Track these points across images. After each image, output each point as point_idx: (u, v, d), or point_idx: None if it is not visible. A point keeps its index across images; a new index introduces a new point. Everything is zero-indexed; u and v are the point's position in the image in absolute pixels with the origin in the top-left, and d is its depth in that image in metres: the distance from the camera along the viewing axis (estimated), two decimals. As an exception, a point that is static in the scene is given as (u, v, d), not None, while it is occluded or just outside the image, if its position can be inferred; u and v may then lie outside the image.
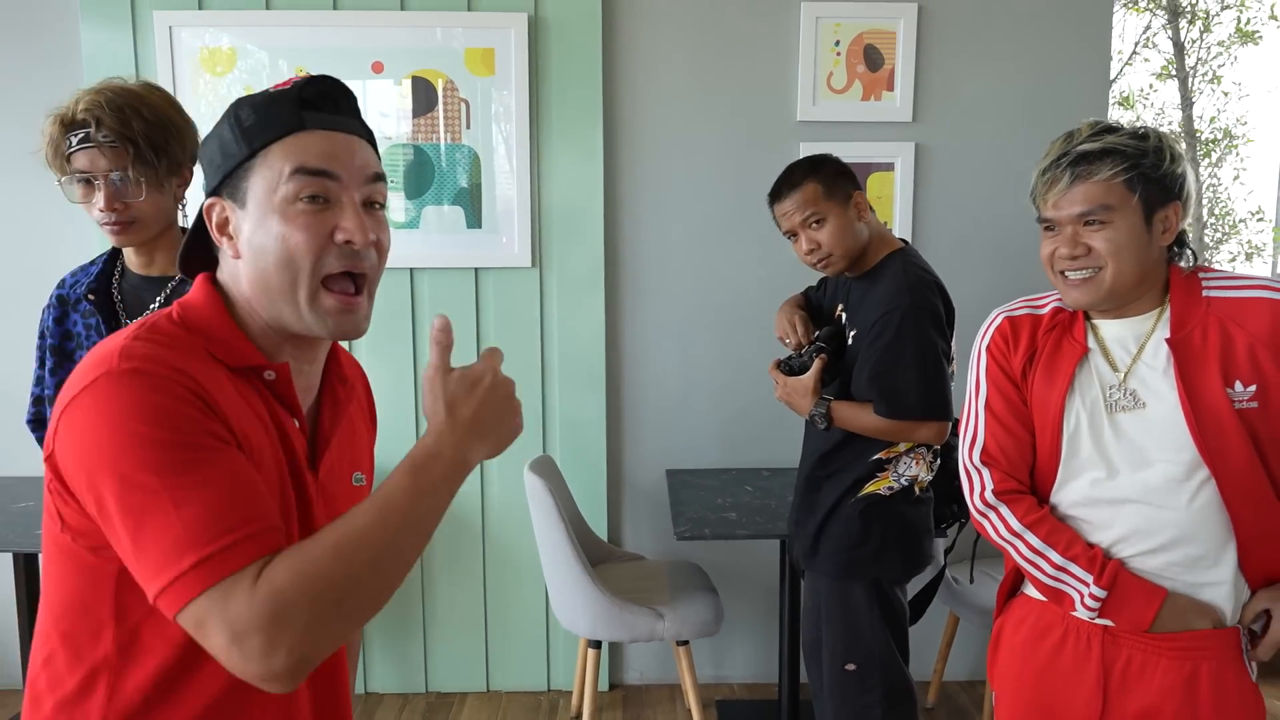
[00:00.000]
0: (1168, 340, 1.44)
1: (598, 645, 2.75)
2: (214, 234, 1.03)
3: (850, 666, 2.26)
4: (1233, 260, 5.87)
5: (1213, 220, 5.71)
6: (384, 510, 0.91)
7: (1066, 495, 1.53)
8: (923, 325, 2.06)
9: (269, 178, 0.99)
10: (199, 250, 1.08)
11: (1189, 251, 1.53)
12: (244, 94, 2.87)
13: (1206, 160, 5.65)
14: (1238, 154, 5.75)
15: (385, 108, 2.97)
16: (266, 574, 0.85)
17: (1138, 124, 1.49)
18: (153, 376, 0.89)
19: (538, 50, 2.98)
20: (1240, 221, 5.81)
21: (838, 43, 3.04)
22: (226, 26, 2.93)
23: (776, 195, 2.21)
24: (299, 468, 1.03)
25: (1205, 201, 5.68)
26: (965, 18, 3.07)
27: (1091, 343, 1.53)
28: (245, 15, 2.92)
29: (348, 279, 1.02)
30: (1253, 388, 1.40)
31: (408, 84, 2.96)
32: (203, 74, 2.95)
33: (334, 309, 1.01)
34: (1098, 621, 1.50)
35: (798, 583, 2.79)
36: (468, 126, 2.99)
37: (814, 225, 2.15)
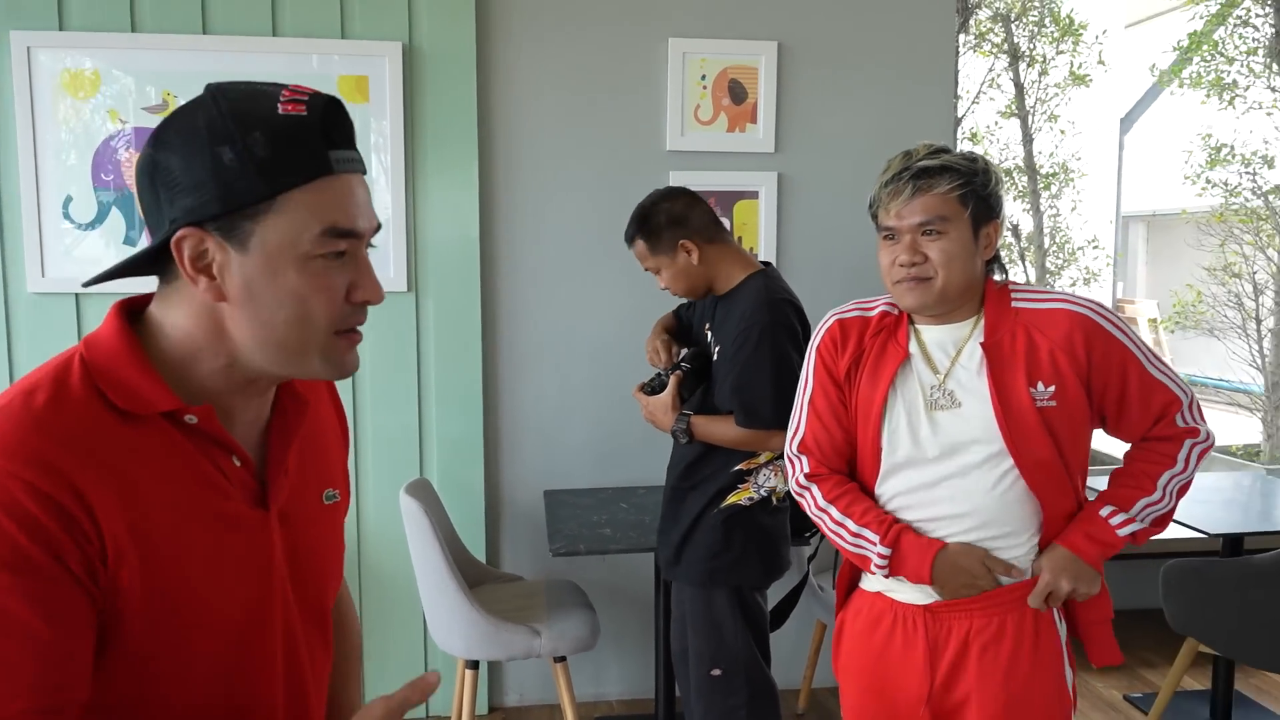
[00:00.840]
0: (982, 344, 1.59)
1: (475, 666, 2.77)
2: (184, 267, 0.86)
3: (716, 672, 2.35)
4: (1073, 284, 6.31)
5: (1054, 249, 6.13)
6: None
7: (889, 487, 1.68)
8: (779, 340, 2.18)
9: (291, 229, 0.86)
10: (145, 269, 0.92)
11: (1003, 267, 1.70)
12: (109, 115, 2.85)
13: (1047, 192, 6.06)
14: (1074, 187, 6.20)
15: (256, 132, 2.95)
16: None
17: (967, 152, 1.65)
18: None
19: (413, 79, 3.03)
20: (1078, 249, 6.25)
21: (704, 77, 3.19)
22: (89, 49, 2.87)
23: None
24: (245, 508, 0.93)
25: (1046, 231, 6.11)
26: (822, 56, 3.26)
27: (913, 347, 1.66)
28: (110, 37, 2.86)
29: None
30: (1052, 388, 1.57)
31: (280, 109, 2.95)
32: (64, 97, 2.88)
33: (345, 349, 0.93)
34: (890, 581, 1.67)
35: (671, 594, 2.87)
36: (342, 152, 2.99)
37: (654, 273, 2.38)
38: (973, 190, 1.57)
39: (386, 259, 3.04)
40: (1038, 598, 1.62)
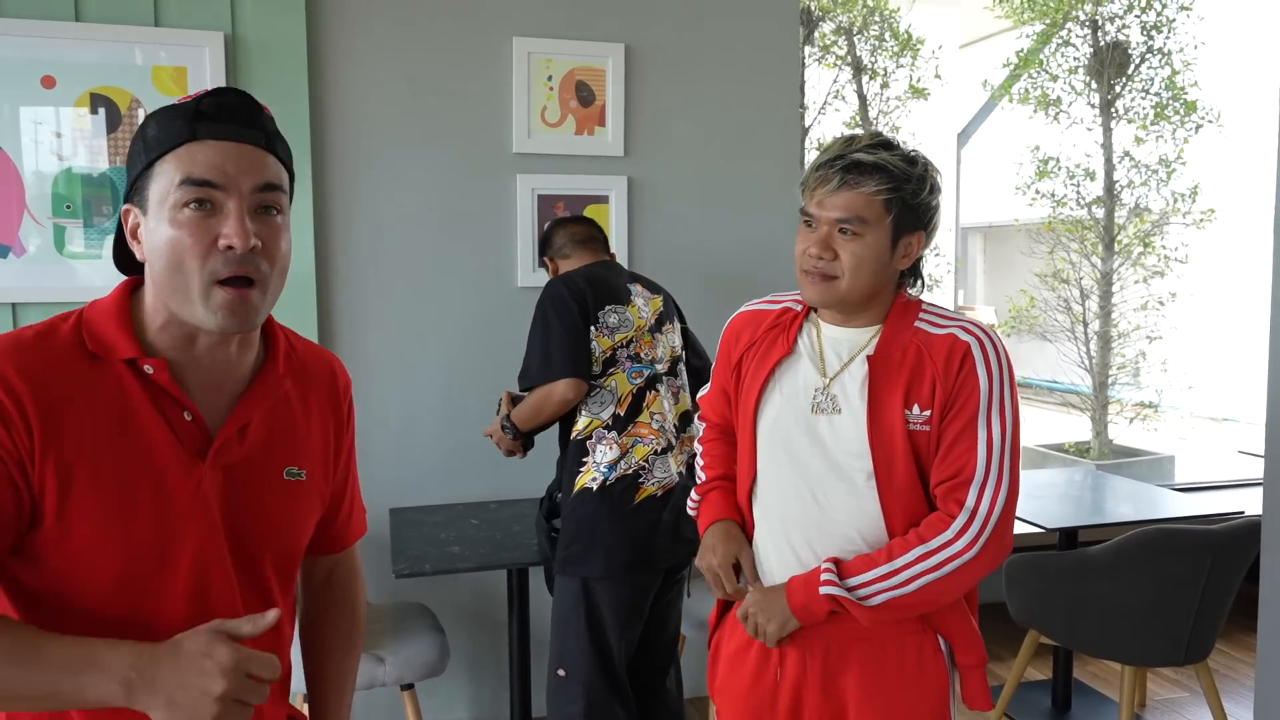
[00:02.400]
0: (869, 357, 1.54)
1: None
2: (129, 238, 1.10)
3: (561, 672, 2.32)
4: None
5: (898, 256, 6.34)
6: (20, 649, 0.93)
7: (759, 488, 1.63)
8: (543, 309, 2.37)
9: (163, 185, 1.04)
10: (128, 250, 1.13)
11: (920, 280, 1.62)
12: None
13: (891, 202, 6.28)
14: (915, 196, 6.44)
15: (59, 127, 2.69)
16: None
17: (912, 149, 1.55)
18: None
19: (237, 71, 2.83)
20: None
21: (550, 78, 3.10)
22: None
23: None
24: (185, 455, 1.08)
25: (892, 239, 6.31)
26: (670, 61, 3.23)
27: (802, 346, 1.61)
28: (-121, 16, 2.56)
29: (239, 278, 1.05)
30: (927, 413, 1.50)
31: (86, 101, 2.70)
32: None
33: (224, 303, 1.04)
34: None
35: (526, 615, 2.77)
36: (158, 149, 2.77)
37: None
38: (900, 197, 1.49)
39: (210, 265, 2.82)
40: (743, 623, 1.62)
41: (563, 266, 2.52)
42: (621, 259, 3.23)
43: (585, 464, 2.33)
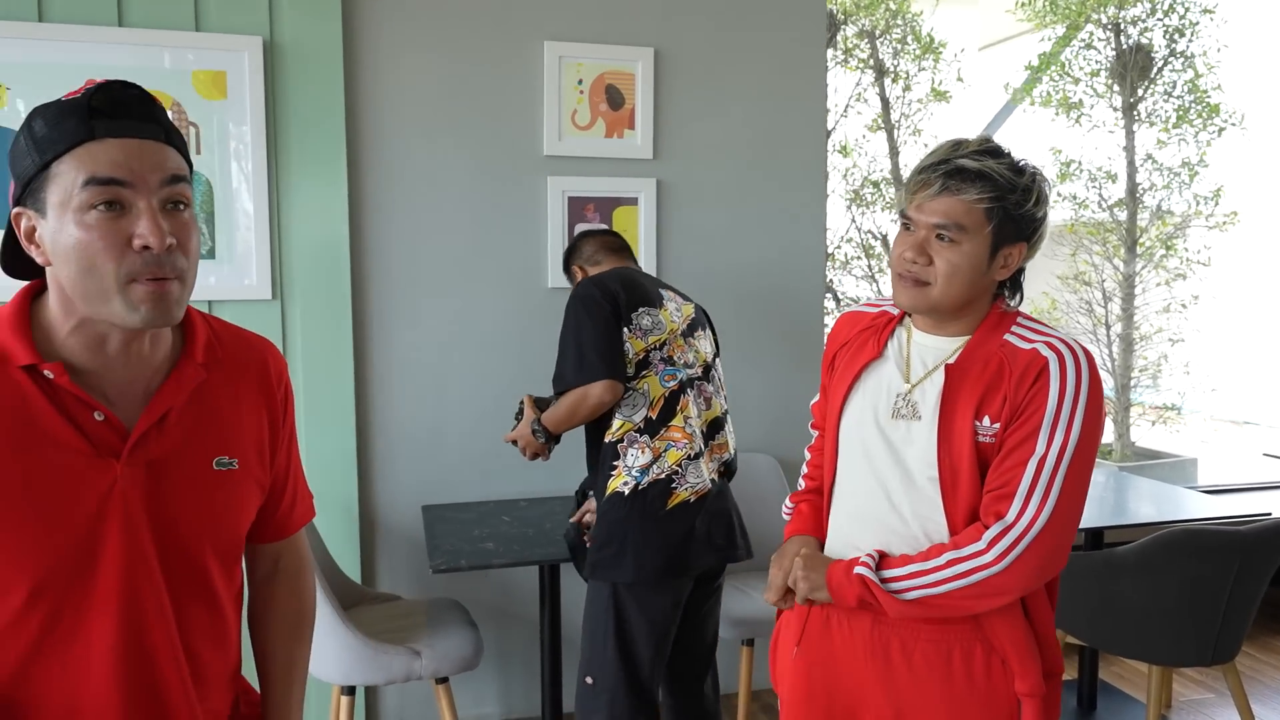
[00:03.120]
0: (947, 366, 1.51)
1: (351, 692, 2.63)
2: (24, 242, 1.07)
3: (588, 680, 2.30)
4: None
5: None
6: None
7: (837, 487, 1.64)
8: (575, 310, 2.33)
9: (64, 187, 1.02)
10: (22, 254, 1.11)
11: (1020, 293, 1.58)
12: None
13: (912, 204, 6.29)
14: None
15: (102, 129, 2.75)
16: None
17: (1021, 159, 1.50)
18: None
19: (275, 75, 2.88)
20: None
21: (580, 81, 3.15)
22: (-93, 33, 2.62)
23: None
24: (95, 458, 1.07)
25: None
26: (698, 65, 3.27)
27: (891, 350, 1.59)
28: (-69, 22, 2.62)
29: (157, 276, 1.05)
30: (997, 425, 1.46)
31: (129, 105, 2.76)
32: (-123, 85, 2.62)
33: (144, 296, 1.04)
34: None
35: (558, 612, 2.80)
36: (198, 152, 2.82)
37: None
38: (1003, 206, 1.43)
39: (248, 264, 2.87)
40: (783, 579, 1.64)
41: (592, 274, 2.47)
42: (650, 260, 3.27)
43: (616, 468, 2.29)
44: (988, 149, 1.47)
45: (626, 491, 2.27)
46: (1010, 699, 1.53)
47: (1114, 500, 3.53)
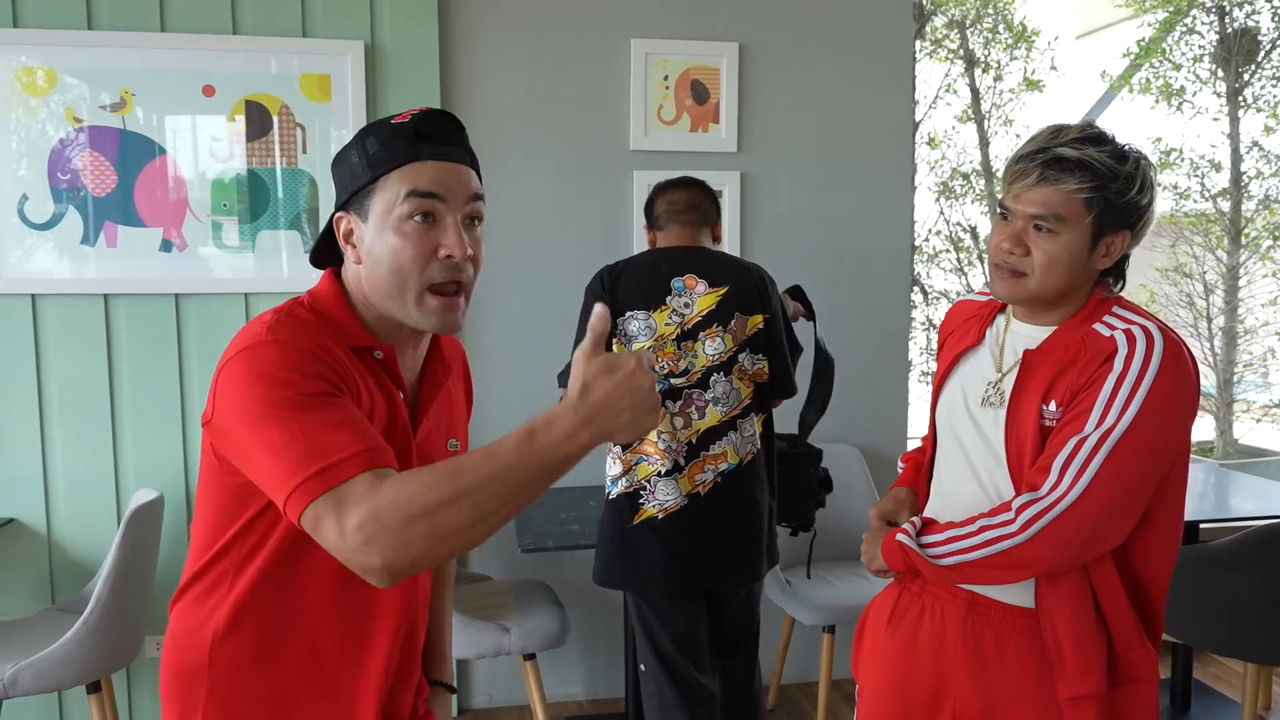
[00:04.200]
0: (1026, 351, 1.49)
1: (445, 665, 2.75)
2: (340, 241, 1.23)
3: (642, 668, 2.40)
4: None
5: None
6: (486, 457, 1.00)
7: (935, 467, 1.68)
8: (586, 304, 2.38)
9: (388, 199, 1.17)
10: (326, 249, 1.27)
11: (1123, 280, 1.53)
12: (64, 115, 2.82)
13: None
14: (1030, 190, 6.33)
15: (217, 132, 2.93)
16: (374, 487, 1.00)
17: (1126, 145, 1.45)
18: (289, 346, 1.11)
19: (375, 78, 3.02)
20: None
21: (666, 77, 3.21)
22: (44, 46, 2.83)
23: None
24: (403, 430, 1.23)
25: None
26: (783, 58, 3.30)
27: (989, 338, 1.59)
28: (66, 35, 2.83)
29: (451, 284, 1.19)
30: (1062, 409, 1.44)
31: (241, 108, 2.93)
32: (19, 95, 2.84)
33: (437, 309, 1.19)
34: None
35: (641, 594, 2.87)
36: (304, 151, 2.98)
37: None
38: (1104, 195, 1.40)
39: (350, 258, 3.02)
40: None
41: (659, 240, 2.44)
42: (734, 253, 3.31)
43: (607, 471, 2.36)
44: (1089, 136, 1.43)
45: (608, 498, 2.34)
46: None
47: (1214, 496, 3.44)
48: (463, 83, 3.12)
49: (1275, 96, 5.74)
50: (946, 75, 5.99)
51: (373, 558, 0.99)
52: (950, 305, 1.78)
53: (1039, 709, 1.50)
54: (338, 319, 1.21)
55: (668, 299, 2.30)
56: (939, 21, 5.97)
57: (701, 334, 2.30)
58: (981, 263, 6.25)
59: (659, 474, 2.26)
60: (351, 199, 1.20)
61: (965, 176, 6.14)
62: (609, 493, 2.33)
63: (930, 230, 6.17)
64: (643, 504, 2.27)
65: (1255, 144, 5.75)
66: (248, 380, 1.09)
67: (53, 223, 2.90)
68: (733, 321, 2.32)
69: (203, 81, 2.92)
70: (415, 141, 1.17)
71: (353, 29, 2.99)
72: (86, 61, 2.86)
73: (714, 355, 2.30)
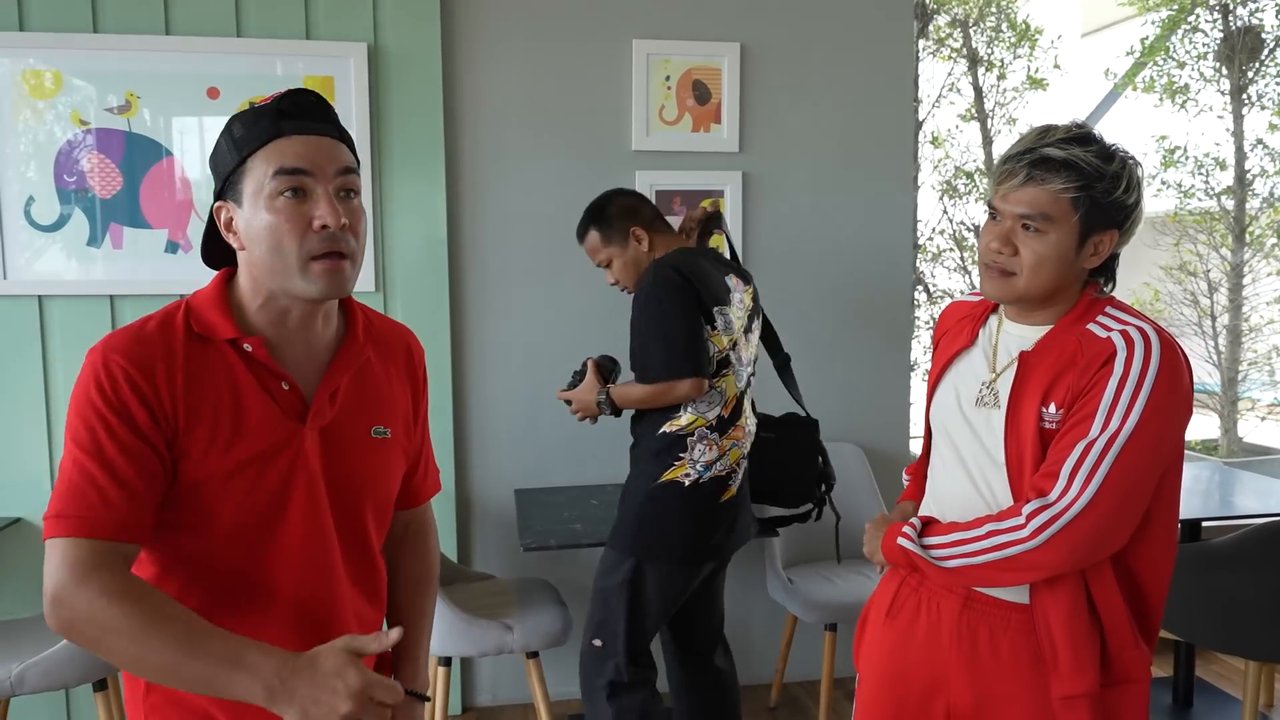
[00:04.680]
0: (1022, 353, 1.51)
1: (447, 663, 2.77)
2: (223, 231, 1.24)
3: (596, 643, 2.38)
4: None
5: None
6: (183, 639, 1.07)
7: (930, 466, 1.70)
8: (660, 298, 2.26)
9: (257, 178, 1.18)
10: (219, 245, 1.28)
11: (1113, 280, 1.55)
12: (70, 117, 2.84)
13: (1006, 194, 6.18)
14: (1034, 189, 6.32)
15: (221, 133, 2.95)
16: (86, 572, 1.10)
17: (1113, 144, 1.46)
18: (101, 369, 1.15)
19: (378, 79, 3.04)
20: (1039, 251, 6.36)
21: (668, 78, 3.22)
22: (50, 49, 2.85)
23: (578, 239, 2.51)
24: (289, 420, 1.23)
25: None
26: (784, 58, 3.31)
27: (983, 338, 1.61)
28: (71, 38, 2.85)
29: (331, 254, 1.20)
30: (1061, 412, 1.46)
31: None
32: (25, 98, 2.86)
33: (321, 272, 1.20)
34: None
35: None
36: (308, 153, 3.00)
37: (604, 266, 2.48)
38: (1090, 195, 1.41)
39: (354, 259, 3.04)
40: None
41: (656, 242, 2.41)
42: (737, 253, 3.32)
43: (681, 459, 2.32)
44: (1076, 136, 1.44)
45: (686, 483, 2.31)
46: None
47: (1217, 494, 3.44)
48: (465, 84, 3.14)
49: (1279, 94, 5.73)
50: (950, 74, 5.98)
51: (51, 620, 1.11)
52: (946, 307, 1.79)
53: (1032, 704, 1.52)
54: (203, 315, 1.22)
55: (730, 294, 2.39)
56: (942, 20, 5.96)
57: (753, 324, 2.49)
58: (985, 261, 6.25)
59: (744, 455, 2.42)
60: (225, 186, 1.22)
61: (969, 175, 6.13)
62: (696, 477, 2.31)
63: (934, 229, 6.16)
64: (730, 484, 2.37)
65: (1259, 141, 5.74)
66: (73, 397, 1.17)
67: (59, 225, 2.92)
68: (759, 319, 2.55)
69: (207, 84, 2.94)
70: (278, 119, 1.18)
71: (356, 31, 3.01)
72: (92, 64, 2.88)
73: (756, 347, 2.53)
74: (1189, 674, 3.32)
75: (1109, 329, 1.46)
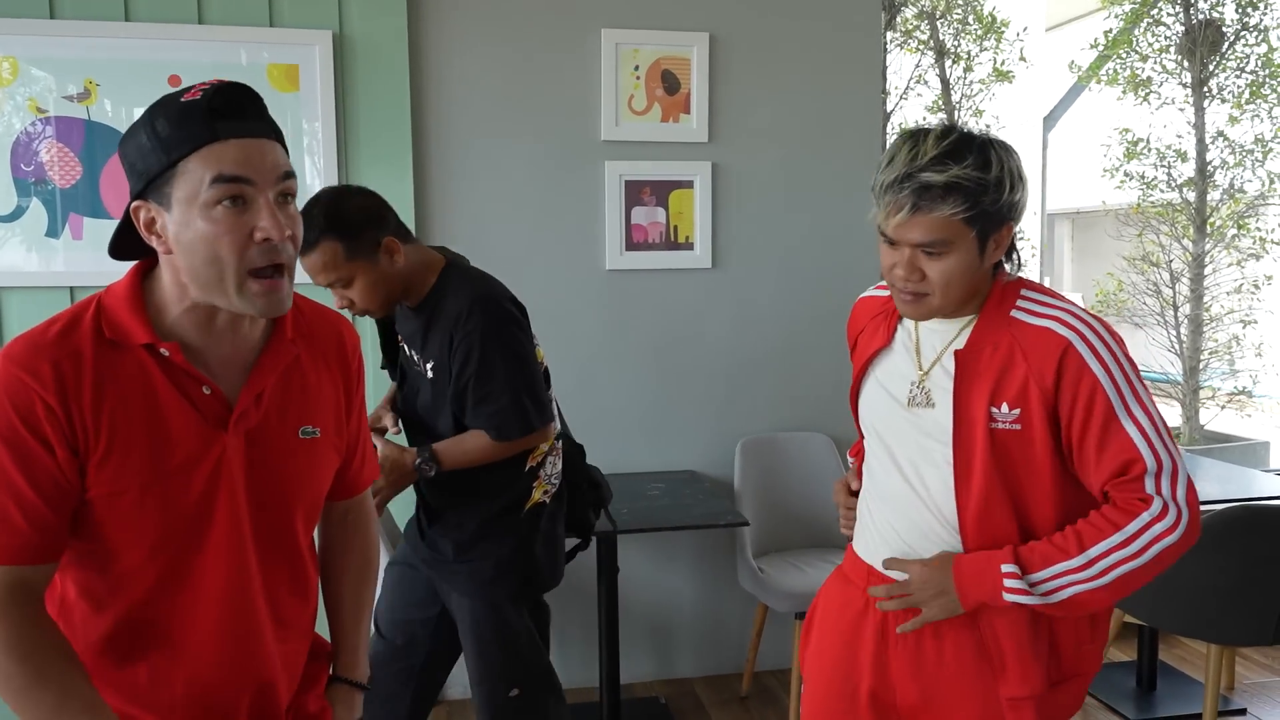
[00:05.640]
0: (957, 352, 1.49)
1: (419, 656, 2.75)
2: (143, 232, 1.15)
3: (515, 692, 2.14)
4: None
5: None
6: (41, 706, 1.09)
7: (866, 466, 1.67)
8: (505, 337, 1.99)
9: (191, 185, 1.10)
10: (132, 240, 1.20)
11: (1017, 260, 1.54)
12: (28, 105, 2.78)
13: (974, 186, 6.26)
14: (1000, 180, 6.41)
15: (184, 122, 2.90)
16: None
17: (982, 140, 1.42)
18: (4, 377, 1.09)
19: (344, 67, 3.00)
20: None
21: (637, 67, 3.21)
22: (7, 35, 2.78)
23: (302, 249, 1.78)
24: (210, 427, 1.17)
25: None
26: (753, 48, 3.31)
27: (902, 335, 1.59)
28: (26, 24, 2.79)
29: (271, 267, 1.14)
30: (1017, 411, 1.44)
31: (208, 99, 2.90)
32: (-21, 83, 2.80)
33: (260, 292, 1.14)
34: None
35: (615, 583, 2.88)
36: (272, 142, 2.96)
37: (338, 285, 1.96)
38: (980, 209, 1.39)
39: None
40: (888, 595, 1.55)
41: (410, 256, 2.03)
42: (706, 244, 3.33)
43: (538, 481, 2.15)
44: (948, 150, 1.39)
45: (548, 499, 2.18)
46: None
47: (1178, 482, 3.50)
48: (432, 73, 3.11)
49: (1239, 87, 5.82)
50: (918, 66, 6.04)
51: None
52: (855, 304, 1.76)
53: (977, 703, 1.52)
54: (115, 319, 1.15)
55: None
56: (909, 13, 6.01)
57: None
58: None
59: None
60: (149, 187, 1.12)
61: (936, 167, 6.21)
62: (554, 488, 2.19)
63: (902, 220, 6.23)
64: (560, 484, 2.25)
65: (1220, 134, 5.83)
66: None
67: (16, 215, 2.86)
68: None
69: (169, 72, 2.89)
70: (211, 120, 1.10)
71: (321, 18, 2.97)
72: (50, 51, 2.82)
73: None
74: (1152, 658, 3.37)
75: (1037, 314, 1.47)
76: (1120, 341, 1.46)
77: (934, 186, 1.38)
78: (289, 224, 1.14)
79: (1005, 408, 1.44)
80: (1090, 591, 1.42)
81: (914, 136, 1.43)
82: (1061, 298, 1.52)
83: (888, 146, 1.48)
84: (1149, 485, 1.40)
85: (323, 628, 1.45)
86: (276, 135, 1.17)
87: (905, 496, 1.56)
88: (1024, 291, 1.51)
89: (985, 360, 1.47)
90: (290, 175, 1.16)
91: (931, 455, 1.52)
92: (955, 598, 1.48)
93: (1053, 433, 1.44)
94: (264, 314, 1.16)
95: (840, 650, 1.65)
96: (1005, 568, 1.44)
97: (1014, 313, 1.48)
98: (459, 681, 3.33)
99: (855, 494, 1.73)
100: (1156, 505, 1.40)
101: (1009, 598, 1.43)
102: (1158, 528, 1.39)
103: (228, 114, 1.11)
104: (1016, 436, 1.44)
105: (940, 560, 1.50)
